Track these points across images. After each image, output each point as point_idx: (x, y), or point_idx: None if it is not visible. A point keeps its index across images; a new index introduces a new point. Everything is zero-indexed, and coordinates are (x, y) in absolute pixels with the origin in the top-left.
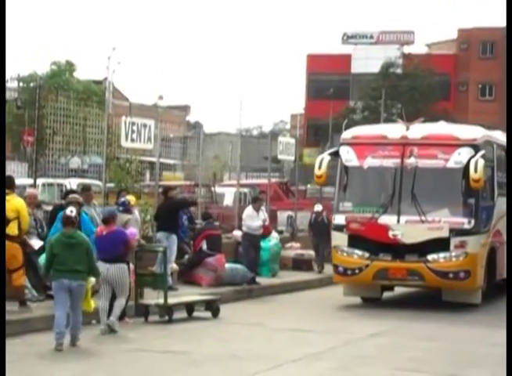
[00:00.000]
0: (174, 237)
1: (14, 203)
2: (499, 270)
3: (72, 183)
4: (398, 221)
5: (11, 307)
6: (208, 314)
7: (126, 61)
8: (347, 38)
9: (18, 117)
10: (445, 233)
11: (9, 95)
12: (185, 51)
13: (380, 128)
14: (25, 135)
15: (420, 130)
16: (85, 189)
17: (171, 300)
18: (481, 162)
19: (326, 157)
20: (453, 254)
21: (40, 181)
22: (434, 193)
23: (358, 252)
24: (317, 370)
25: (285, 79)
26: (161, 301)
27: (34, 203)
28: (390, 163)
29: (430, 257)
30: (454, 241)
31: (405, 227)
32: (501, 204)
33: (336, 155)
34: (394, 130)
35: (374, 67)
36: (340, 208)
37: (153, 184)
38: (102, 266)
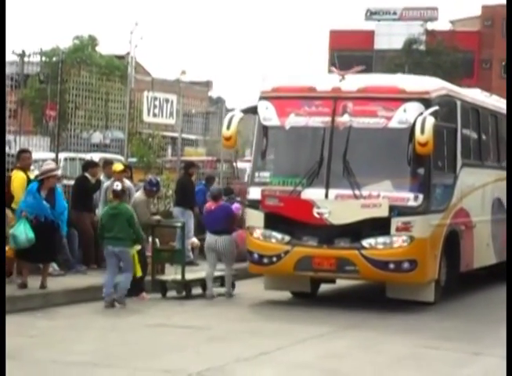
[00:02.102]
0: (189, 213)
1: (16, 178)
2: (466, 259)
3: (94, 158)
4: (327, 196)
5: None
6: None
7: (148, 36)
8: (371, 14)
9: (40, 91)
10: (383, 212)
11: (32, 69)
12: (207, 26)
13: (308, 79)
14: (47, 109)
15: (357, 81)
16: (107, 164)
17: (188, 276)
18: (430, 120)
19: (237, 114)
20: (394, 239)
21: (62, 155)
22: (372, 160)
23: (277, 235)
24: (340, 346)
25: (307, 55)
26: (178, 277)
27: None
28: (317, 122)
29: (365, 242)
30: (396, 222)
31: (334, 204)
32: (467, 176)
33: (254, 112)
34: (326, 81)
35: (397, 44)
36: (256, 179)
37: (175, 159)
38: (210, 238)
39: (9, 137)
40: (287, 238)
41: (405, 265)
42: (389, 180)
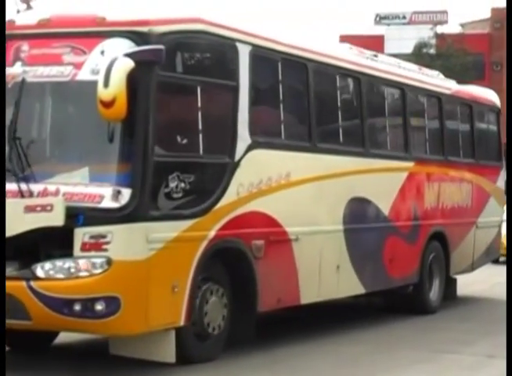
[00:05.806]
0: None
1: None
2: (272, 292)
3: None
4: None
5: None
6: None
7: None
8: (380, 19)
9: None
10: (55, 219)
11: None
12: None
13: None
14: None
15: (67, 12)
16: None
17: None
18: (122, 65)
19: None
20: (80, 262)
21: None
22: (55, 134)
23: None
24: (359, 350)
25: None
26: None
27: None
28: None
29: (39, 269)
30: (81, 236)
31: None
32: (268, 163)
33: None
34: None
35: (407, 48)
36: None
37: None
38: None
39: None
40: None
41: (99, 306)
42: (82, 166)
